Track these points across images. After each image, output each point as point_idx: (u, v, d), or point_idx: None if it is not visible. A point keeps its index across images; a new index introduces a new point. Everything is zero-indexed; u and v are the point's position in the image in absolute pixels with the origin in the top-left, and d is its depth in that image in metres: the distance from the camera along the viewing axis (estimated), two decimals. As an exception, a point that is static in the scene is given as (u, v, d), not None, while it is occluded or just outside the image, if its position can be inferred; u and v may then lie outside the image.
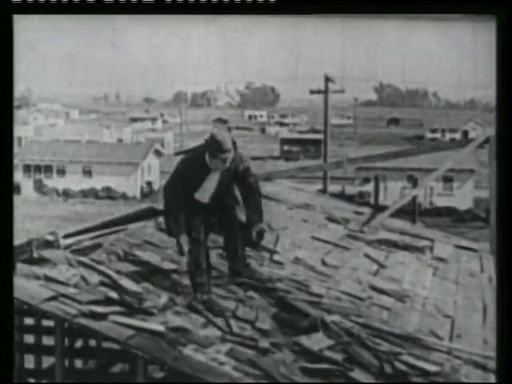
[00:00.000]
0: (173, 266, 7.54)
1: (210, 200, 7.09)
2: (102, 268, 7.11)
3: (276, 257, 8.79)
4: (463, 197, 46.31)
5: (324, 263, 9.01)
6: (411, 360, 6.29)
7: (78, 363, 9.24)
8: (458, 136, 74.74)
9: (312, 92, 33.99)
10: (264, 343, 6.18)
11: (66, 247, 7.59)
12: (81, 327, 6.02)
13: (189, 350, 5.81)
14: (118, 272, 7.13)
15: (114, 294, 6.46)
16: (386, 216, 12.28)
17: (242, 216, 7.26)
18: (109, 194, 51.65)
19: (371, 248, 10.33)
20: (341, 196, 37.63)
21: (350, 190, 48.76)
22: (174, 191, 7.03)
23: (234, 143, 7.03)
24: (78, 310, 6.04)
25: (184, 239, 6.93)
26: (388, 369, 6.06)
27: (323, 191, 26.49)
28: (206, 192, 7.06)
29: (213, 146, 6.87)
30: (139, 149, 55.57)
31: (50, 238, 7.55)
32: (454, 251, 11.19)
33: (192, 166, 7.02)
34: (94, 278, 6.84)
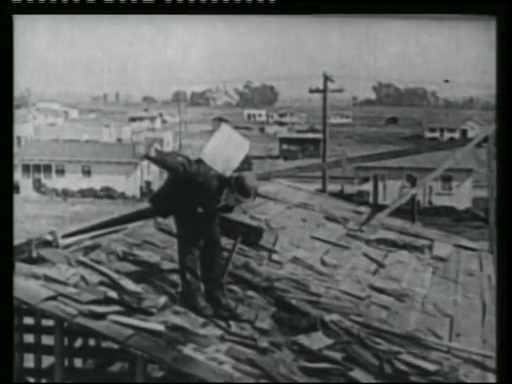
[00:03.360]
0: (172, 266, 7.53)
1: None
2: (101, 268, 7.11)
3: (275, 256, 8.79)
4: (462, 196, 46.32)
5: (323, 263, 9.01)
6: (410, 359, 6.30)
7: (78, 362, 9.24)
8: (456, 135, 74.75)
9: (311, 91, 34.04)
10: (263, 342, 6.19)
11: (66, 247, 7.58)
12: (80, 327, 6.02)
13: (188, 350, 5.81)
14: (118, 272, 7.12)
15: (113, 294, 6.46)
16: (384, 215, 12.29)
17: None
18: (108, 194, 51.59)
19: (370, 247, 10.34)
20: (340, 195, 37.62)
21: (349, 189, 48.75)
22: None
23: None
24: (77, 310, 6.04)
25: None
26: (387, 368, 6.06)
27: (322, 190, 26.53)
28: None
29: (238, 187, 6.65)
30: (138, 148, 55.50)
31: (49, 237, 7.55)
32: (453, 250, 11.20)
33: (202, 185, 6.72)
34: (94, 278, 6.83)
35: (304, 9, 6.67)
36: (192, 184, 6.66)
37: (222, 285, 6.97)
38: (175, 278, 7.21)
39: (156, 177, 53.04)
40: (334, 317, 6.93)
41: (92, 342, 9.26)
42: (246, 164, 6.92)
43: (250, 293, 7.36)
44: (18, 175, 50.80)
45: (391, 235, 11.24)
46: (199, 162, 6.73)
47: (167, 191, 6.96)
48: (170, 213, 7.12)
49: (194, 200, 6.72)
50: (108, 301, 6.33)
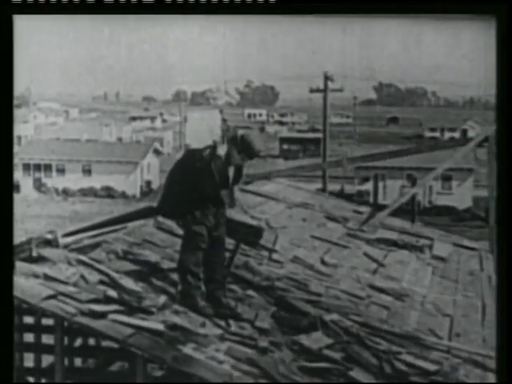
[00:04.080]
0: (172, 265, 7.53)
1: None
2: (101, 267, 7.11)
3: (275, 256, 8.79)
4: (462, 196, 46.28)
5: (323, 262, 9.01)
6: (410, 359, 6.29)
7: (78, 362, 9.23)
8: (457, 135, 74.70)
9: (311, 91, 34.02)
10: (263, 342, 6.19)
11: (66, 246, 7.58)
12: (80, 326, 6.02)
13: (188, 349, 5.81)
14: (118, 271, 7.12)
15: (113, 293, 6.46)
16: (385, 215, 12.29)
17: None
18: (108, 193, 51.55)
19: (370, 247, 10.34)
20: (340, 195, 37.55)
21: (350, 188, 48.66)
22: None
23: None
24: (77, 309, 6.04)
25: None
26: (387, 368, 6.06)
27: (322, 190, 26.48)
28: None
29: (244, 146, 6.92)
30: (139, 148, 55.51)
31: (49, 236, 7.55)
32: (454, 250, 11.20)
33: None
34: (94, 277, 6.83)
35: (304, 9, 6.67)
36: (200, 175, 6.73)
37: (223, 285, 6.97)
38: (175, 277, 7.20)
39: (156, 176, 53.07)
40: (334, 316, 6.93)
41: (92, 341, 9.26)
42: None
43: (250, 292, 7.36)
44: (18, 174, 50.77)
45: (391, 235, 11.24)
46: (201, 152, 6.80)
47: (173, 193, 6.96)
48: (182, 213, 7.07)
49: (205, 191, 6.77)
50: (108, 300, 6.33)
